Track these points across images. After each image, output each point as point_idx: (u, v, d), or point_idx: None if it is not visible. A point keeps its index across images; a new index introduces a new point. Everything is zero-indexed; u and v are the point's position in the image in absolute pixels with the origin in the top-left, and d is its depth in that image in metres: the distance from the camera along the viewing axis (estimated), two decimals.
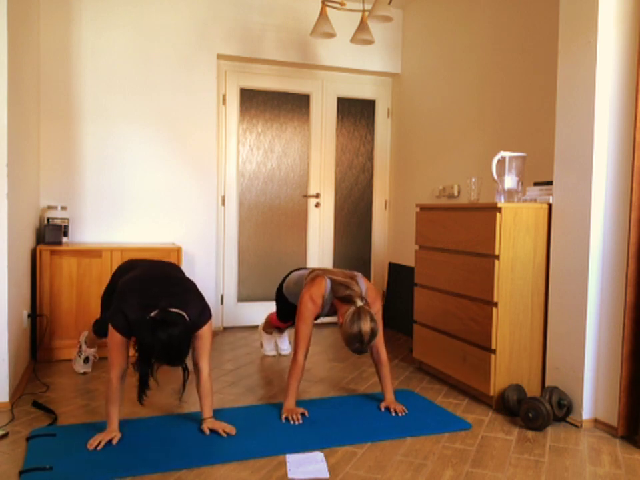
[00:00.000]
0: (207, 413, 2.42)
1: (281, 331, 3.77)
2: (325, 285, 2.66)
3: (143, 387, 2.22)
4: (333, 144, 4.79)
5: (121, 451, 2.21)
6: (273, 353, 3.75)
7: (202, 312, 2.34)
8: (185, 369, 2.32)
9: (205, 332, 2.37)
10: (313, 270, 2.81)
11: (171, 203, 4.21)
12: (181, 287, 2.36)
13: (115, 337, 2.25)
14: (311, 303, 2.64)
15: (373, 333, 2.46)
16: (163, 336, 2.09)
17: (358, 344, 2.46)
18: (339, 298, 2.61)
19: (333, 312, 2.78)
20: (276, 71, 4.58)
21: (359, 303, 2.52)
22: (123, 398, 2.35)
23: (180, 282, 2.39)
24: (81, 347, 3.30)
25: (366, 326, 2.44)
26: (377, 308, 2.70)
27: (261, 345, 3.78)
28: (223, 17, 4.26)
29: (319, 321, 4.68)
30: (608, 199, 2.55)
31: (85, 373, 3.27)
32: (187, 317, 2.21)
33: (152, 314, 2.17)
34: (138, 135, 4.10)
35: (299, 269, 3.18)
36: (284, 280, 3.23)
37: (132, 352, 2.26)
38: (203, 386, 2.40)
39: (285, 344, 3.81)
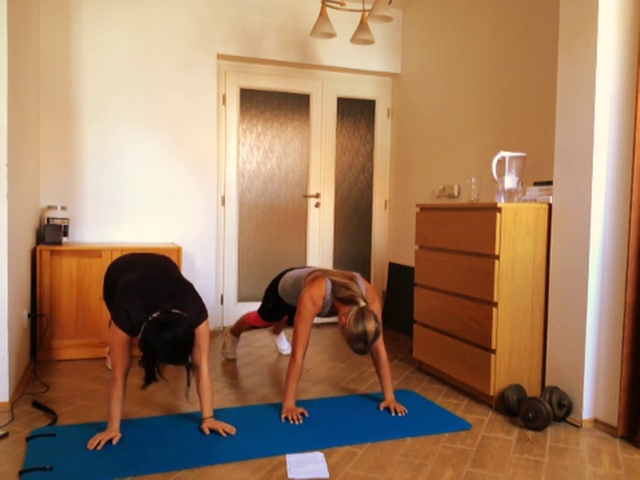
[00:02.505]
0: (207, 412, 2.42)
1: (277, 332, 3.78)
2: (325, 286, 2.65)
3: (149, 380, 2.23)
4: (333, 144, 4.79)
5: (121, 451, 2.21)
6: (235, 356, 3.65)
7: (200, 312, 2.37)
8: (189, 366, 2.34)
9: (203, 331, 2.38)
10: (312, 271, 2.79)
11: (171, 203, 4.21)
12: (180, 287, 2.40)
13: (118, 336, 2.27)
14: (311, 303, 2.63)
15: (377, 333, 2.46)
16: (167, 336, 2.13)
17: (362, 344, 2.45)
18: (340, 299, 2.60)
19: (331, 313, 2.77)
20: (276, 70, 4.58)
21: (362, 303, 2.52)
22: (125, 397, 2.35)
23: (179, 283, 2.43)
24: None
25: (370, 326, 2.43)
26: (376, 308, 2.69)
27: (223, 347, 3.66)
28: (223, 17, 4.26)
29: (319, 320, 4.68)
30: (608, 198, 2.55)
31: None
32: (187, 317, 2.23)
33: (155, 315, 2.20)
34: (138, 135, 4.10)
35: (292, 269, 3.14)
36: (278, 280, 3.17)
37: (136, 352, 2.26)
38: (202, 385, 2.40)
39: (284, 344, 3.81)
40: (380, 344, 2.74)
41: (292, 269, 3.16)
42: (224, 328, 4.53)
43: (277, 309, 3.24)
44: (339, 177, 4.85)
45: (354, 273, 2.74)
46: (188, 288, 2.42)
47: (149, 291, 2.31)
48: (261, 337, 4.29)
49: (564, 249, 2.70)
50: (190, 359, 2.33)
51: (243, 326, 3.52)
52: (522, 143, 3.39)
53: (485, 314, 2.82)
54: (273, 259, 4.69)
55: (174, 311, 2.23)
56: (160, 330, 2.13)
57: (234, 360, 3.64)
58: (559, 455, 2.30)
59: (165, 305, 2.25)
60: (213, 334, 4.31)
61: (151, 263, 2.57)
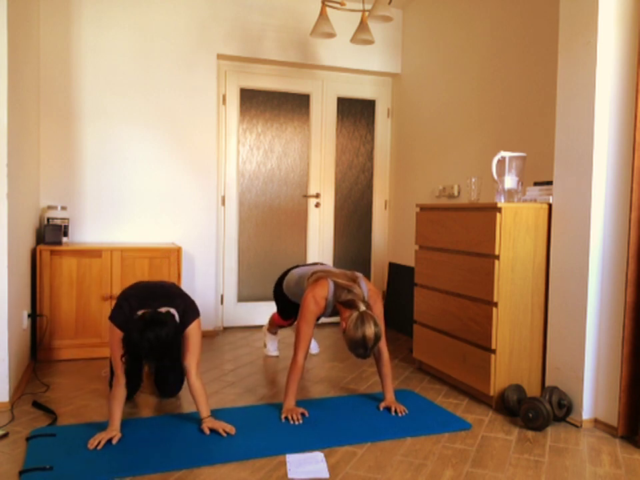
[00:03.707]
0: (204, 412, 2.42)
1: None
2: (328, 288, 2.66)
3: (133, 381, 2.25)
4: (333, 144, 4.79)
5: (121, 451, 2.21)
6: (276, 353, 3.74)
7: (188, 310, 2.40)
8: (166, 367, 2.37)
9: (193, 332, 2.40)
10: (315, 271, 2.79)
11: (171, 203, 4.21)
12: (173, 291, 2.46)
13: (115, 334, 2.31)
14: (314, 304, 2.63)
15: (377, 338, 2.46)
16: (150, 335, 2.14)
17: (362, 349, 2.45)
18: (342, 302, 2.60)
19: (334, 313, 2.78)
20: (276, 70, 4.58)
21: (362, 308, 2.51)
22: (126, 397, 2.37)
23: (173, 287, 2.50)
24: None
25: (369, 331, 2.43)
26: (378, 309, 2.70)
27: (264, 345, 3.78)
28: (223, 17, 4.26)
29: (319, 320, 4.68)
30: (608, 198, 2.55)
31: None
32: (176, 316, 2.25)
33: (140, 312, 2.25)
34: (138, 135, 4.10)
35: (297, 267, 3.18)
36: (282, 278, 3.23)
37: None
38: (193, 387, 2.40)
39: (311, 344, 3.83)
40: (382, 344, 2.74)
41: (297, 266, 3.20)
42: (224, 328, 4.53)
43: (286, 306, 3.27)
44: (339, 177, 4.85)
45: (357, 274, 2.73)
46: (181, 293, 2.48)
47: (146, 293, 2.39)
48: (261, 337, 4.29)
49: (564, 249, 2.70)
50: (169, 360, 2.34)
51: (273, 325, 3.65)
52: (522, 143, 3.39)
53: (485, 314, 2.82)
54: (273, 259, 4.68)
55: (162, 309, 2.27)
56: (144, 328, 2.15)
57: (277, 357, 3.72)
58: (559, 455, 2.30)
59: (155, 303, 2.31)
60: (213, 334, 4.31)
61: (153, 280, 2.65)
